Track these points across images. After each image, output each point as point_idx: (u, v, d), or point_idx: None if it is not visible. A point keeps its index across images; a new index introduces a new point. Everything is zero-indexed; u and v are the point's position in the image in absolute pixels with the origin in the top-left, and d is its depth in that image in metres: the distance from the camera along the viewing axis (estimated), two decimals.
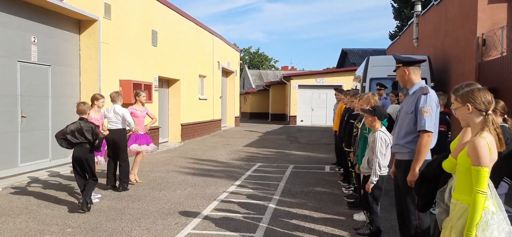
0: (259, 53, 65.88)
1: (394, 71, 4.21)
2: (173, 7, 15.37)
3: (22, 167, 8.59)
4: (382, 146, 4.63)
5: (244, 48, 65.15)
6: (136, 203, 6.54)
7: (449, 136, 6.18)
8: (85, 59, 10.43)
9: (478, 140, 2.56)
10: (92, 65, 10.41)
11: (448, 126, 6.25)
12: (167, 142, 15.56)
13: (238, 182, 8.30)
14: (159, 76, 14.10)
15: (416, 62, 4.08)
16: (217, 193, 7.30)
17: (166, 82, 15.66)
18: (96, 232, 5.12)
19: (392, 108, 8.27)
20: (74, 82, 10.28)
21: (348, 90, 8.72)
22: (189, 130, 17.03)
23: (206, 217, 5.81)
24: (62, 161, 9.66)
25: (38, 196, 6.91)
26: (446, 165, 2.93)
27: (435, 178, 3.11)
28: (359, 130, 5.69)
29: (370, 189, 4.71)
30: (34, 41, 8.85)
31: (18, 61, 8.43)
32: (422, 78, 4.22)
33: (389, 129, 4.99)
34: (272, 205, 6.48)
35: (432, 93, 3.90)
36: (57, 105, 9.59)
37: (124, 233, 5.13)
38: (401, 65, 4.10)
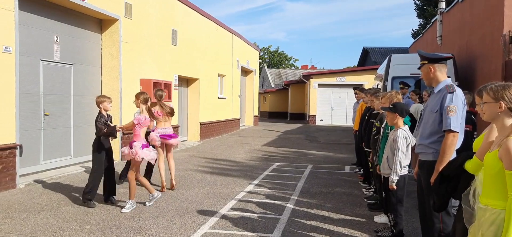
0: (278, 52, 65.72)
1: (419, 68, 4.07)
2: (193, 6, 15.42)
3: (45, 164, 8.73)
4: (403, 144, 4.50)
5: (263, 48, 65.11)
6: (154, 202, 6.54)
7: (474, 136, 5.97)
8: (106, 58, 10.55)
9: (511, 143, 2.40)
10: (113, 64, 10.51)
11: (474, 125, 6.04)
12: (186, 140, 15.63)
13: (256, 182, 8.24)
14: (178, 75, 14.17)
15: (442, 59, 3.93)
16: (234, 192, 7.25)
17: (185, 81, 15.73)
18: (114, 230, 5.14)
19: (414, 108, 8.06)
20: (96, 81, 10.40)
21: (369, 89, 8.56)
22: (208, 129, 17.07)
23: (223, 216, 5.76)
24: (84, 159, 9.80)
25: (59, 193, 7.00)
26: (470, 166, 2.78)
27: (456, 177, 2.96)
28: (382, 129, 5.55)
29: (394, 188, 4.58)
30: (56, 41, 8.98)
31: (41, 60, 8.56)
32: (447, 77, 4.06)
33: (412, 128, 4.85)
34: (290, 205, 6.39)
35: (459, 92, 3.74)
36: (79, 104, 9.72)
37: (142, 231, 5.12)
38: (426, 62, 3.95)
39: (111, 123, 6.47)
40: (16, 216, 5.64)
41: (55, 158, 9.04)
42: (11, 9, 7.07)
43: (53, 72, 8.93)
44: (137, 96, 6.35)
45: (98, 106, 6.39)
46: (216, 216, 5.77)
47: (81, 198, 6.40)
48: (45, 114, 8.68)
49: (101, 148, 6.33)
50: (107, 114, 6.44)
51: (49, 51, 8.81)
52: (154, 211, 5.99)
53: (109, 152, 6.46)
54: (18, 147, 7.32)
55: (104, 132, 6.25)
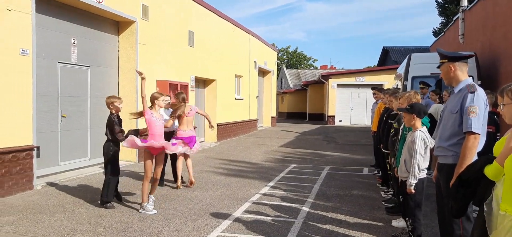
0: (297, 52, 65.39)
1: (438, 67, 3.89)
2: (210, 7, 15.40)
3: (62, 165, 8.81)
4: (421, 146, 4.32)
5: (282, 48, 64.85)
6: (169, 203, 6.51)
7: (497, 137, 5.72)
8: (123, 60, 10.60)
9: None
10: (130, 66, 10.55)
11: (497, 126, 5.79)
12: (203, 141, 15.61)
13: (271, 184, 8.12)
14: (195, 76, 14.17)
15: (462, 58, 3.75)
16: (249, 195, 7.15)
17: (202, 83, 15.73)
18: (126, 232, 5.10)
19: (434, 108, 7.83)
20: (113, 82, 10.46)
21: (388, 89, 8.35)
22: (225, 130, 17.03)
23: (237, 219, 5.67)
24: (101, 160, 9.82)
25: (75, 194, 7.03)
26: (489, 171, 2.60)
27: (475, 182, 2.78)
28: (401, 130, 5.37)
29: (412, 191, 4.41)
30: (74, 43, 9.06)
31: (59, 62, 8.65)
32: (469, 76, 3.87)
33: (432, 130, 4.67)
34: (305, 208, 6.26)
35: (480, 92, 3.55)
36: (96, 106, 9.78)
37: (154, 234, 5.07)
38: (446, 60, 3.78)
39: (121, 125, 6.43)
40: (31, 217, 5.67)
41: (72, 159, 9.12)
42: (28, 12, 7.14)
43: (71, 74, 9.01)
44: None
45: (109, 107, 6.36)
46: (229, 219, 5.68)
47: (99, 201, 6.40)
48: (62, 116, 8.76)
49: (112, 150, 6.33)
50: (117, 115, 6.41)
51: (67, 53, 8.89)
52: (168, 213, 5.95)
53: (118, 154, 6.46)
54: (35, 149, 7.39)
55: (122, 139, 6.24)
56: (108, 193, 6.27)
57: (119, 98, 6.52)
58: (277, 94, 40.51)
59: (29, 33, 7.18)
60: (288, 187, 7.80)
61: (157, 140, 5.99)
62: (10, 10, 6.75)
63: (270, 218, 5.77)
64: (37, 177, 7.58)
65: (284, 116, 41.27)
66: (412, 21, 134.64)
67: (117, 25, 10.53)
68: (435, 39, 23.51)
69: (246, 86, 20.20)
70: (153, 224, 5.46)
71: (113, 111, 6.34)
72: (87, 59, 9.51)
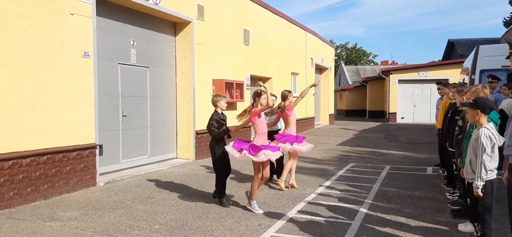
0: (356, 48, 63.77)
1: (507, 58, 3.51)
2: (265, 5, 15.35)
3: (124, 163, 9.17)
4: (487, 144, 3.91)
5: (340, 44, 63.60)
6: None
7: None
8: (180, 60, 10.83)
9: None
10: (187, 66, 10.76)
11: None
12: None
13: (327, 183, 7.88)
14: (251, 74, 14.18)
15: None
16: (304, 194, 6.98)
17: (258, 81, 15.70)
18: (181, 230, 5.15)
19: (506, 103, 7.19)
20: (170, 82, 10.73)
21: (454, 84, 7.80)
22: None
23: (291, 220, 5.53)
24: (160, 158, 10.15)
25: (134, 191, 7.26)
26: None
27: None
28: (467, 128, 4.95)
29: (479, 194, 4.02)
30: (133, 44, 9.38)
31: (119, 63, 8.99)
32: None
33: (504, 126, 4.24)
34: (363, 210, 5.98)
35: None
36: (155, 105, 10.08)
37: (208, 232, 5.07)
38: None
39: (225, 122, 6.48)
40: (92, 213, 5.91)
41: (133, 157, 9.45)
42: (89, 15, 7.47)
43: (130, 74, 9.34)
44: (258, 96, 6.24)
45: (214, 105, 6.48)
46: (283, 219, 5.56)
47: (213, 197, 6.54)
48: (123, 116, 9.10)
49: (216, 147, 6.35)
50: (221, 113, 6.50)
51: (126, 54, 9.22)
52: (222, 212, 5.94)
53: (223, 151, 6.36)
54: (98, 147, 7.72)
55: (216, 135, 6.31)
56: (220, 189, 6.38)
57: (224, 97, 6.61)
58: (335, 91, 39.73)
59: (90, 35, 7.51)
60: (346, 187, 7.53)
61: (261, 140, 5.98)
62: (72, 14, 7.10)
63: (325, 219, 5.57)
64: (100, 174, 7.92)
65: (342, 114, 40.43)
66: (480, 12, 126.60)
67: (174, 26, 10.78)
68: (505, 29, 21.80)
69: (303, 84, 19.94)
70: (208, 222, 5.47)
71: (218, 110, 6.47)
72: (146, 60, 9.81)
